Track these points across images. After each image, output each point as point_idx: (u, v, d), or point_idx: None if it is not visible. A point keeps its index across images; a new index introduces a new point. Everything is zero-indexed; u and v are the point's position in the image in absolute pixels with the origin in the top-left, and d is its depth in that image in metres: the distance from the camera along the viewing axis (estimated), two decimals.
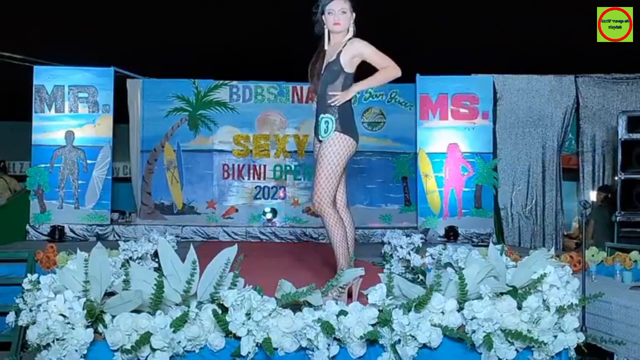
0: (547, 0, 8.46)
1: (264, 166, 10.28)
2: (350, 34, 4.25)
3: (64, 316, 2.93)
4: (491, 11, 8.62)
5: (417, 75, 9.69)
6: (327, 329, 2.95)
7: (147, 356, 2.93)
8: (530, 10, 8.67)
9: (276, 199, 10.22)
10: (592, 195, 8.91)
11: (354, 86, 4.19)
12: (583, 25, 7.82)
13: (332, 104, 4.11)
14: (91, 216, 9.41)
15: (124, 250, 4.85)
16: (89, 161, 9.44)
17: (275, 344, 2.96)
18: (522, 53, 9.59)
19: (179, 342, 2.95)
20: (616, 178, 8.90)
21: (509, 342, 3.05)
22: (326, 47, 4.31)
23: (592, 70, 10.08)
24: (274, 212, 10.01)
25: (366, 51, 4.17)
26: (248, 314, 2.97)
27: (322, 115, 4.15)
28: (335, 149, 4.09)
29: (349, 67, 4.18)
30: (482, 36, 9.15)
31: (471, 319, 3.06)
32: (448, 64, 9.35)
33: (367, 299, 3.09)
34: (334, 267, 3.99)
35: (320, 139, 4.15)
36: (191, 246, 3.40)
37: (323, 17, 4.25)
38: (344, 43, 4.21)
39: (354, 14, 4.26)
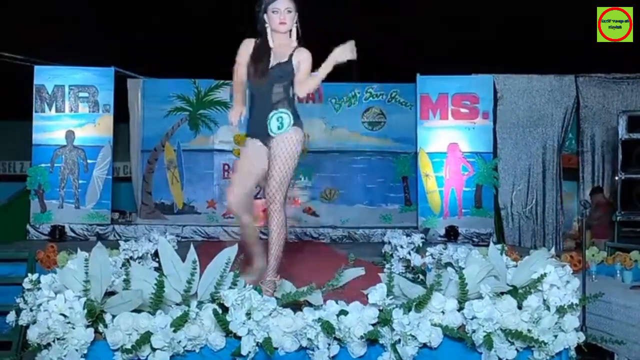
0: (547, 0, 8.46)
1: None
2: (294, 33, 4.16)
3: (65, 316, 2.93)
4: (491, 11, 8.62)
5: (418, 75, 9.70)
6: (328, 328, 2.95)
7: (147, 356, 2.93)
8: (531, 10, 8.67)
9: None
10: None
11: (322, 74, 4.12)
12: (583, 25, 7.82)
13: None
14: (91, 216, 9.42)
15: (124, 249, 4.85)
16: (89, 161, 9.45)
17: (275, 343, 2.95)
18: (523, 53, 9.59)
19: (180, 341, 2.95)
20: (616, 178, 8.89)
21: (509, 341, 3.05)
22: (271, 46, 4.17)
23: (592, 70, 10.09)
24: None
25: (306, 64, 4.13)
26: (248, 314, 2.97)
27: (274, 112, 4.09)
28: (294, 144, 4.11)
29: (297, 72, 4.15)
30: (482, 36, 9.14)
31: (471, 319, 3.06)
32: (448, 64, 9.36)
33: (367, 298, 3.09)
34: (335, 266, 3.97)
35: (273, 134, 4.09)
36: (191, 246, 3.40)
37: (265, 15, 4.11)
38: (293, 47, 4.15)
39: (297, 13, 4.14)
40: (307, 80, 4.16)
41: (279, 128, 4.06)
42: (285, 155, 4.07)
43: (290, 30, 4.15)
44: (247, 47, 4.18)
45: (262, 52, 4.13)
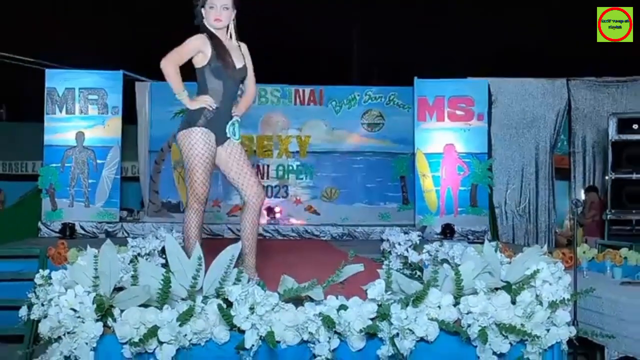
0: (542, 4, 8.46)
1: (267, 166, 10.28)
2: (232, 31, 4.08)
3: (75, 310, 2.93)
4: (487, 16, 8.63)
5: (415, 78, 9.69)
6: (328, 322, 2.95)
7: (154, 349, 2.94)
8: (526, 14, 8.68)
9: (279, 197, 10.22)
10: (582, 195, 8.94)
11: (240, 111, 4.23)
12: (582, 25, 7.71)
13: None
14: (101, 214, 9.42)
15: (132, 246, 4.84)
16: (98, 161, 9.45)
17: (278, 337, 2.95)
18: (517, 56, 9.60)
19: (185, 335, 2.96)
20: (607, 178, 8.90)
21: (503, 335, 3.05)
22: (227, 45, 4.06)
23: (583, 74, 10.11)
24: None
25: (250, 62, 4.17)
26: (252, 308, 2.97)
27: (235, 118, 4.13)
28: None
29: None
30: (477, 40, 9.16)
31: (467, 314, 3.06)
32: (445, 68, 9.36)
33: (366, 294, 3.09)
34: (335, 262, 3.96)
35: (235, 140, 4.14)
36: (197, 243, 3.40)
37: (203, 10, 3.99)
38: (239, 45, 4.11)
39: (235, 11, 4.04)
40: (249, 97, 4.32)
41: (235, 134, 4.14)
42: (249, 161, 4.29)
43: (228, 28, 4.06)
44: (199, 42, 3.96)
45: (223, 50, 3.99)
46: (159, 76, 10.51)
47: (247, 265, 3.93)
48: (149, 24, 9.05)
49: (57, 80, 9.56)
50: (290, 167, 10.31)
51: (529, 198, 10.12)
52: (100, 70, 9.63)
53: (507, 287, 3.24)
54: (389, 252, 5.44)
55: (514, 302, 3.13)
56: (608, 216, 8.64)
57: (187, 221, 4.07)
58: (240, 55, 4.10)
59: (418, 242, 5.60)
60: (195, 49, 3.96)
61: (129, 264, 3.55)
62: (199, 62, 4.00)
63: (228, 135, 4.08)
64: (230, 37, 4.11)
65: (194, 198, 4.04)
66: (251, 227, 4.08)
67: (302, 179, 10.30)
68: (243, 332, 2.96)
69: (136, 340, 2.91)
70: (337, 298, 3.08)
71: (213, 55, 3.94)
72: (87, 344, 2.90)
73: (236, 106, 4.21)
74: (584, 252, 6.19)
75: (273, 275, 3.64)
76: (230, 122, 4.09)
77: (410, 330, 3.01)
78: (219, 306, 2.99)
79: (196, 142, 3.97)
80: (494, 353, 3.04)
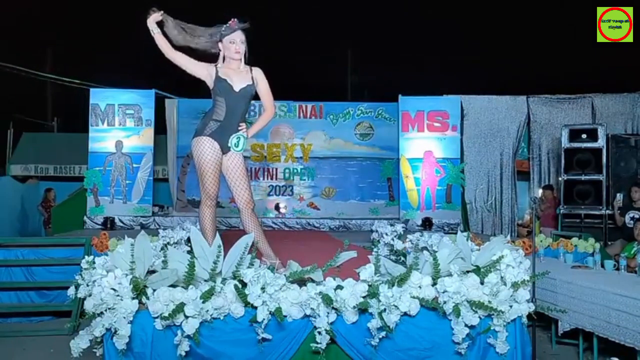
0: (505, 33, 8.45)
1: (276, 169, 10.28)
2: (243, 58, 4.06)
3: (115, 290, 2.93)
4: (460, 46, 8.63)
5: (400, 95, 9.69)
6: (327, 300, 2.95)
7: (181, 322, 2.93)
8: (491, 44, 8.68)
9: (285, 195, 10.21)
10: (539, 192, 8.93)
11: (252, 130, 4.15)
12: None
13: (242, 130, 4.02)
14: (136, 209, 9.41)
15: (162, 236, 4.82)
16: (134, 165, 9.44)
17: (285, 312, 2.95)
18: (485, 77, 9.60)
19: (207, 310, 2.96)
20: (560, 179, 8.91)
21: (474, 310, 3.05)
22: (220, 66, 4.05)
23: (541, 92, 10.14)
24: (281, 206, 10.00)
25: (265, 84, 4.11)
26: (263, 288, 2.97)
27: (239, 134, 4.00)
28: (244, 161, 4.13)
29: None
30: (451, 65, 9.16)
31: (443, 292, 3.06)
32: (424, 87, 9.36)
33: (359, 275, 3.09)
34: (332, 250, 3.95)
35: (234, 151, 4.02)
36: (217, 234, 3.39)
37: (220, 44, 4.00)
38: (249, 69, 4.06)
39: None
40: (267, 113, 4.23)
41: (236, 145, 4.02)
42: (246, 171, 4.13)
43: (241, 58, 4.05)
44: (205, 69, 4.01)
45: (225, 75, 3.99)
46: (184, 94, 10.48)
47: (266, 254, 3.89)
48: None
49: (100, 97, 9.56)
50: (295, 170, 10.30)
51: (495, 196, 10.12)
52: (135, 89, 9.62)
53: (477, 270, 3.24)
54: (378, 241, 5.42)
55: (482, 283, 3.13)
56: (561, 210, 8.64)
57: (202, 215, 4.03)
58: (249, 78, 4.04)
59: (402, 232, 5.57)
60: (201, 69, 4.02)
61: (160, 251, 3.54)
62: (209, 84, 4.04)
63: (229, 146, 4.03)
64: (242, 62, 4.06)
65: (205, 195, 4.01)
66: (250, 225, 4.01)
67: (305, 180, 10.29)
68: (255, 308, 2.96)
69: (166, 315, 2.91)
70: (334, 279, 3.08)
71: (216, 79, 3.96)
72: (124, 318, 2.90)
73: (246, 122, 4.16)
74: (541, 241, 6.19)
75: (281, 260, 3.64)
76: (234, 135, 3.99)
77: (396, 306, 3.01)
78: (235, 286, 2.98)
79: (203, 148, 3.93)
80: (466, 325, 3.04)
